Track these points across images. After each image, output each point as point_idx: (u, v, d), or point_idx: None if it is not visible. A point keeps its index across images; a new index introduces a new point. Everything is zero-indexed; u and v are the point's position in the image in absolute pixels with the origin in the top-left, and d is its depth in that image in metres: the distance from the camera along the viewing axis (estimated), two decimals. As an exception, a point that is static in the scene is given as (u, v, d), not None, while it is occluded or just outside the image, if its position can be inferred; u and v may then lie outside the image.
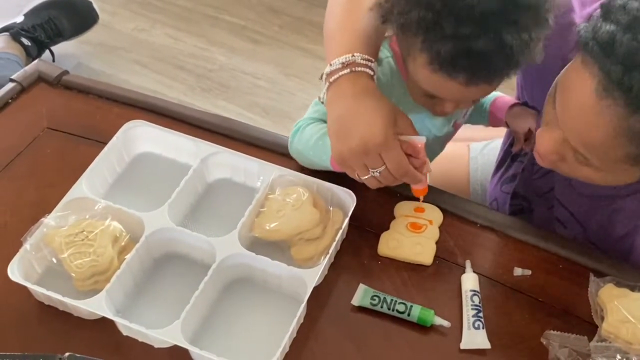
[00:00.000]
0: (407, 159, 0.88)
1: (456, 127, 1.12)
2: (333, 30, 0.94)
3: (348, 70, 0.88)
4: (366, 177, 0.90)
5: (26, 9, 2.17)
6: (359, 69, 0.89)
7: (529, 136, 1.08)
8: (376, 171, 0.88)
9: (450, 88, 0.88)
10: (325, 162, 0.97)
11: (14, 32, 2.08)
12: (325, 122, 0.96)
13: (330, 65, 0.89)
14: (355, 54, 0.89)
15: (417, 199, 1.00)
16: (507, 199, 1.17)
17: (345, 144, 0.87)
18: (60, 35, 2.18)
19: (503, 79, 0.90)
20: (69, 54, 2.25)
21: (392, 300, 0.92)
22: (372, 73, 0.90)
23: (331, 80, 0.89)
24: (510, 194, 1.16)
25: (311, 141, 0.99)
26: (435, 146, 1.14)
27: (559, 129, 0.86)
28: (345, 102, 0.88)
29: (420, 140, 0.89)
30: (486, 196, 1.33)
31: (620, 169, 0.85)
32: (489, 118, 1.16)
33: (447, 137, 1.14)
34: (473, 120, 1.17)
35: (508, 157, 1.20)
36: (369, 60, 0.89)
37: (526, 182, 1.14)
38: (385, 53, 1.00)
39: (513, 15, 0.82)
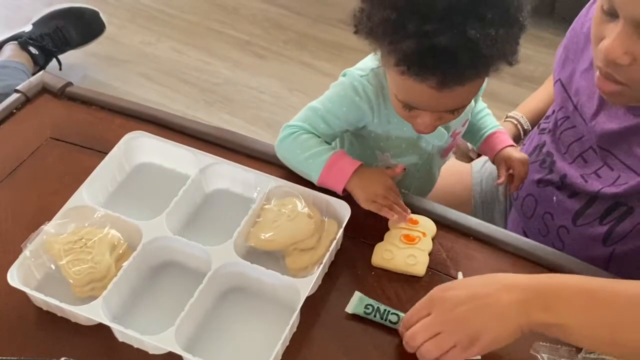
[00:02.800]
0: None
1: (454, 137, 1.13)
2: None
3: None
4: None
5: (34, 18, 2.20)
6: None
7: (514, 171, 1.12)
8: None
9: (423, 94, 0.90)
10: (310, 178, 1.04)
11: (22, 41, 2.12)
12: (314, 133, 1.05)
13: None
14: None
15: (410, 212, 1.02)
16: (541, 189, 1.17)
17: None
18: (67, 44, 2.21)
19: (476, 80, 0.91)
20: (76, 66, 2.28)
21: (385, 310, 0.93)
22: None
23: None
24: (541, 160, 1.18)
25: (301, 156, 1.04)
26: (437, 157, 1.14)
27: (620, 28, 0.88)
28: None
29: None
30: (490, 208, 1.36)
31: None
32: (483, 143, 1.17)
33: (448, 146, 1.14)
34: (465, 135, 1.18)
35: (535, 149, 1.22)
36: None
37: (555, 140, 1.16)
38: (377, 63, 1.02)
39: (477, 10, 0.84)
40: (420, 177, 1.16)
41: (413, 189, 1.16)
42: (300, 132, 1.05)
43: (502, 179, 1.12)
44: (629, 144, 1.01)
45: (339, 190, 1.03)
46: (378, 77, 1.03)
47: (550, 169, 1.15)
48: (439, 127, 1.03)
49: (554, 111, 1.20)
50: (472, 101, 1.08)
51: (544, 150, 1.18)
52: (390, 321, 0.93)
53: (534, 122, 1.28)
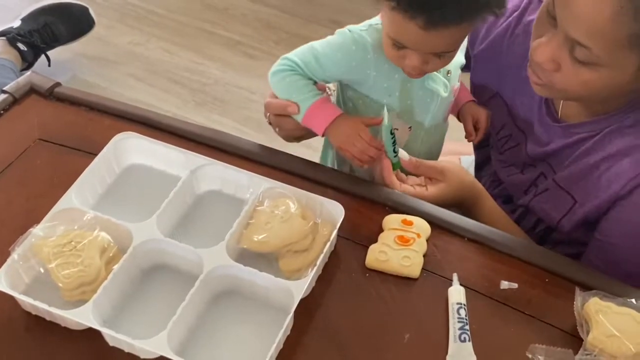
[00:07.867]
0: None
1: (454, 93, 1.16)
2: None
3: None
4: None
5: (23, 14, 2.18)
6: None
7: (480, 123, 1.18)
8: None
9: (411, 32, 0.96)
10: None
11: (11, 37, 2.10)
12: (304, 74, 1.11)
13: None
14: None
15: (404, 213, 1.02)
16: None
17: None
18: (56, 41, 2.19)
19: (462, 24, 0.95)
20: (65, 66, 2.26)
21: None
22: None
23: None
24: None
25: (287, 95, 1.13)
26: (440, 113, 1.15)
27: (555, 35, 0.92)
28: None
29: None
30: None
31: (620, 58, 0.89)
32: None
33: (449, 104, 1.16)
34: None
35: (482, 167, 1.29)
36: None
37: (498, 157, 1.23)
38: (376, 20, 1.08)
39: None
40: (427, 141, 1.18)
41: (423, 154, 1.18)
42: (291, 72, 1.12)
43: (473, 137, 1.19)
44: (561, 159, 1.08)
45: (319, 133, 1.11)
46: (378, 33, 1.07)
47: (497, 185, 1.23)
48: (441, 76, 1.10)
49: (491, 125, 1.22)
50: (462, 56, 1.13)
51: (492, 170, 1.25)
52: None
53: None
